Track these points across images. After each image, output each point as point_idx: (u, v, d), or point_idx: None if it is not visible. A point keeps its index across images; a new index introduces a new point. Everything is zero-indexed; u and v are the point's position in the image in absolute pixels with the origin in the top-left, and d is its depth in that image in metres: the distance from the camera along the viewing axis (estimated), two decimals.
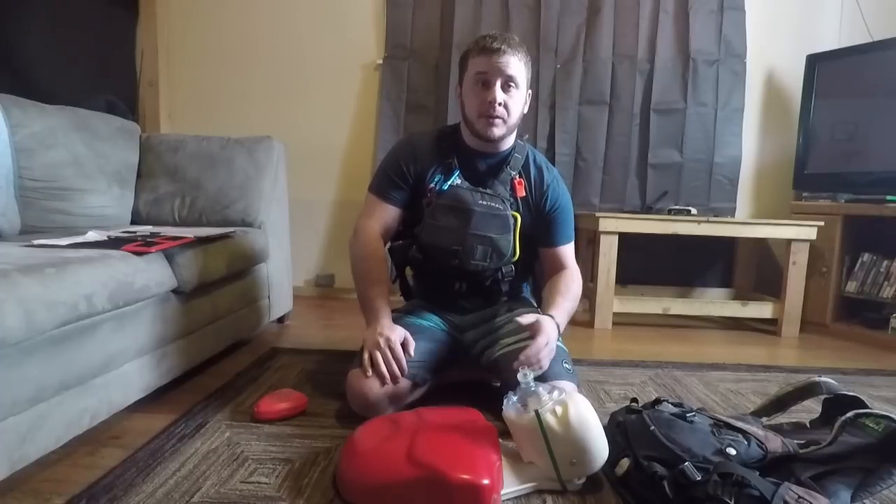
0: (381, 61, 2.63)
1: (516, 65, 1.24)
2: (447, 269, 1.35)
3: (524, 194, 1.36)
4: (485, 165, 1.35)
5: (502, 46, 1.22)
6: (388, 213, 1.37)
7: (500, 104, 1.24)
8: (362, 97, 2.70)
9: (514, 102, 1.27)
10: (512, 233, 1.32)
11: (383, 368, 1.15)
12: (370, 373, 1.16)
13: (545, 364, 1.17)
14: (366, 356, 1.18)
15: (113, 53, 2.45)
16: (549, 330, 1.18)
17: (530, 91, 1.33)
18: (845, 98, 2.42)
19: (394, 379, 1.17)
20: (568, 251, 1.42)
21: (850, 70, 2.40)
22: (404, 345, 1.20)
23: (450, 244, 1.30)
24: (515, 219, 1.33)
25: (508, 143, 1.35)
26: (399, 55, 2.61)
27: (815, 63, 2.49)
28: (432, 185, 1.33)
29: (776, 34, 2.68)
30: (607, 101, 2.60)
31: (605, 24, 2.56)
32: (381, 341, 1.18)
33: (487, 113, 1.25)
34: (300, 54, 2.67)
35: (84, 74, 2.24)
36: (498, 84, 1.23)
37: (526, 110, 1.33)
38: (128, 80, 2.54)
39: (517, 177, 1.35)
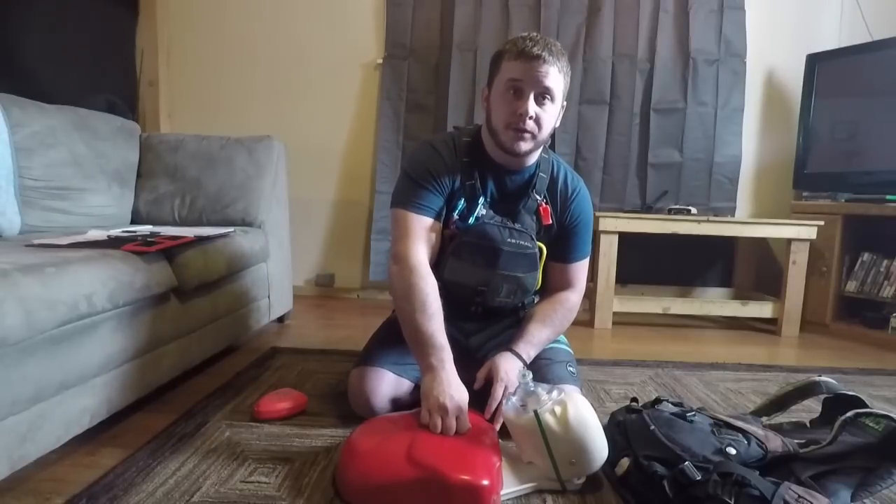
0: (381, 61, 2.63)
1: (555, 76, 1.11)
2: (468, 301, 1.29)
3: (549, 222, 1.25)
4: (510, 185, 1.24)
5: (542, 53, 1.09)
6: (427, 228, 1.20)
7: (530, 117, 1.11)
8: (362, 97, 2.70)
9: (547, 117, 1.14)
10: (538, 269, 1.27)
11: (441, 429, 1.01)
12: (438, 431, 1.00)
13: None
14: (430, 417, 1.01)
15: (113, 53, 2.45)
16: (505, 375, 1.14)
17: (565, 103, 1.20)
18: (845, 98, 2.42)
19: None
20: (578, 269, 1.31)
21: (850, 70, 2.40)
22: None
23: (475, 284, 1.24)
24: (541, 250, 1.26)
25: (534, 157, 1.23)
26: (399, 55, 2.60)
27: (815, 63, 2.49)
28: (455, 214, 1.22)
29: (776, 34, 2.68)
30: (607, 100, 2.60)
31: (605, 24, 2.56)
32: (451, 408, 1.00)
33: (516, 125, 1.12)
34: (300, 54, 2.67)
35: (84, 74, 2.24)
36: (532, 95, 1.11)
37: (558, 124, 1.20)
38: (128, 80, 2.54)
39: (543, 202, 1.25)
